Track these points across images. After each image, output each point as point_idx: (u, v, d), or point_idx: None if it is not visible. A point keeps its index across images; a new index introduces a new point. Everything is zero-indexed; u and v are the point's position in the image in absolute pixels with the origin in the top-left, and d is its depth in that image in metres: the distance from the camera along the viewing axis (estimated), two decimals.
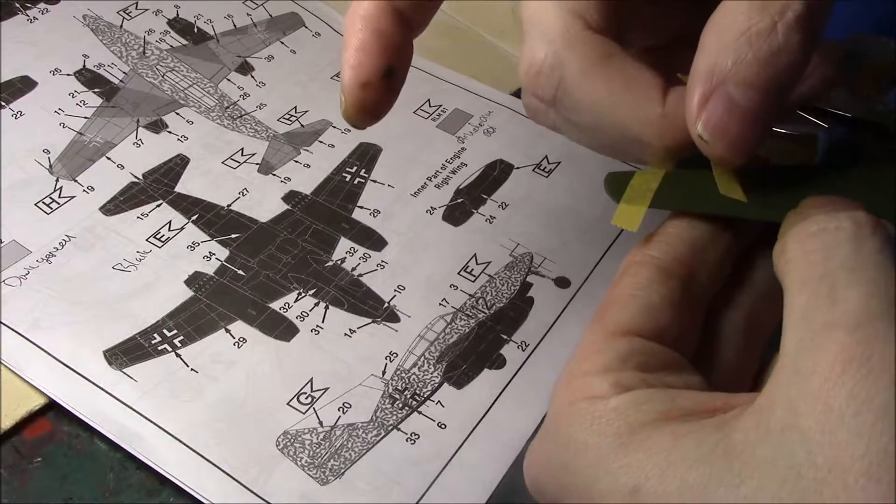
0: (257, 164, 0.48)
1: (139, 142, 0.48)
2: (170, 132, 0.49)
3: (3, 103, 0.49)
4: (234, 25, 0.55)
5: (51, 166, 0.46)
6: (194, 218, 0.45)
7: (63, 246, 0.43)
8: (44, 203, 0.45)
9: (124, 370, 0.39)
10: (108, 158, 0.47)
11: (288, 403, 0.38)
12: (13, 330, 0.40)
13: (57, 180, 0.46)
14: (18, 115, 0.49)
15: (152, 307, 0.41)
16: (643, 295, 0.29)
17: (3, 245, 0.43)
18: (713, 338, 0.30)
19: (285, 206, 0.46)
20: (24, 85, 0.50)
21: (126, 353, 0.39)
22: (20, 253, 0.43)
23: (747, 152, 0.29)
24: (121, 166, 0.47)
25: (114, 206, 0.45)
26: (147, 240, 0.44)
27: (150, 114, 0.50)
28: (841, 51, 0.39)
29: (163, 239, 0.44)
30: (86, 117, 0.49)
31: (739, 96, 0.28)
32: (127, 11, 0.55)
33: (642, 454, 0.25)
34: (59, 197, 0.45)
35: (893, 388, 0.23)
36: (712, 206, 0.30)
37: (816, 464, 0.23)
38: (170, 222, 0.45)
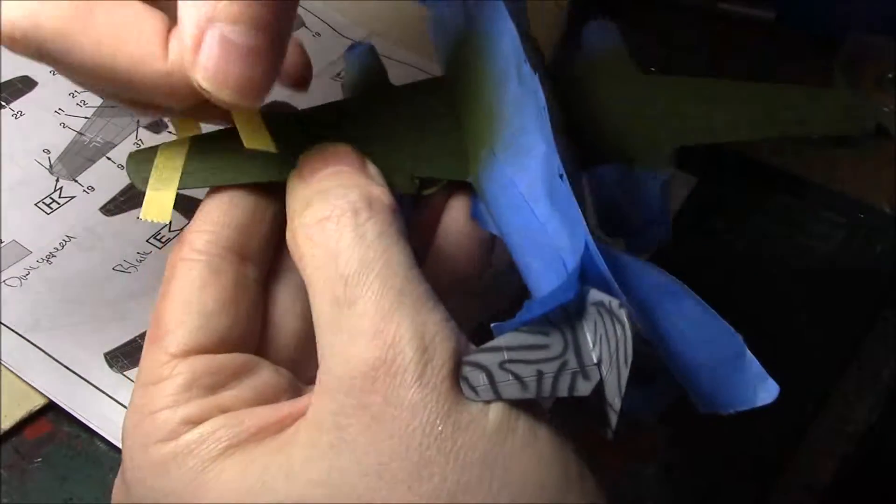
0: None
1: (139, 142, 0.48)
2: (170, 132, 0.49)
3: (3, 103, 0.49)
4: None
5: (51, 166, 0.46)
6: None
7: (63, 246, 0.43)
8: (44, 203, 0.45)
9: (125, 373, 0.39)
10: (109, 158, 0.47)
11: None
12: (13, 330, 0.39)
13: (57, 180, 0.46)
14: (18, 115, 0.49)
15: (153, 308, 0.41)
16: (197, 301, 0.27)
17: (3, 245, 0.43)
18: (274, 313, 0.29)
19: None
20: (24, 85, 0.50)
21: (127, 356, 0.39)
22: (20, 253, 0.43)
23: (259, 94, 0.25)
24: (121, 166, 0.47)
25: (114, 207, 0.45)
26: (147, 240, 0.44)
27: None
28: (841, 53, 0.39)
29: (163, 240, 0.44)
30: (86, 117, 0.49)
31: (236, 35, 0.24)
32: None
33: (217, 494, 0.24)
34: (60, 197, 0.45)
35: (417, 386, 0.23)
36: (248, 173, 0.28)
37: (367, 474, 0.23)
38: (170, 223, 0.45)
